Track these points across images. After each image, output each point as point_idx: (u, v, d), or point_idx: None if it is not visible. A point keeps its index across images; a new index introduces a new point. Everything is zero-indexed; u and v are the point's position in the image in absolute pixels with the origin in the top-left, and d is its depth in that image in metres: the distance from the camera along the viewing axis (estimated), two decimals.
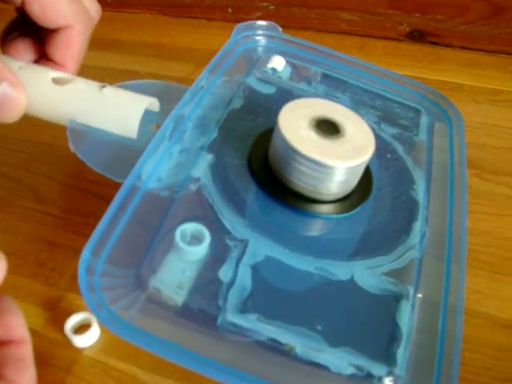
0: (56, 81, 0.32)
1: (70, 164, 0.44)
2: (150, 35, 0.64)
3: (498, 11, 0.56)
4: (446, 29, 0.59)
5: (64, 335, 0.32)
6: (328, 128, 0.31)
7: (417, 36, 0.60)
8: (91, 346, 0.32)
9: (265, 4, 0.62)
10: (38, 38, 0.35)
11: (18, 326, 0.26)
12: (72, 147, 0.32)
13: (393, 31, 0.61)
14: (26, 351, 0.26)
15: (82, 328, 0.32)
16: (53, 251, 0.37)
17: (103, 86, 0.33)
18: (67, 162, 0.44)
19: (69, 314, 0.32)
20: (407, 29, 0.60)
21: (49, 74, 0.33)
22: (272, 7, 0.63)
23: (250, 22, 0.41)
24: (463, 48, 0.59)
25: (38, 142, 0.46)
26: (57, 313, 0.33)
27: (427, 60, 0.58)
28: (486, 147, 0.46)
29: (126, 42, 0.63)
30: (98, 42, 0.61)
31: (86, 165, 0.31)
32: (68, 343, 0.32)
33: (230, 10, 0.59)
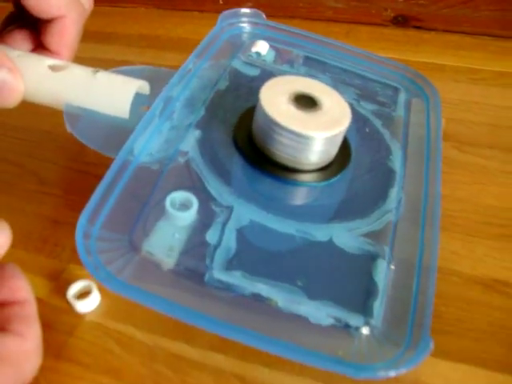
0: (52, 67, 0.35)
1: (70, 149, 0.46)
2: (145, 28, 0.67)
3: None
4: (429, 13, 0.61)
5: (67, 303, 0.34)
6: (306, 102, 0.34)
7: (401, 21, 0.62)
8: (92, 311, 0.34)
9: None
10: (34, 29, 0.37)
11: (22, 288, 0.28)
12: (69, 128, 0.34)
13: (378, 17, 0.63)
14: (30, 310, 0.28)
15: (83, 295, 0.34)
16: (55, 228, 0.39)
17: (96, 71, 0.35)
18: (67, 146, 0.46)
19: (70, 283, 0.35)
20: (391, 14, 0.62)
21: (45, 61, 0.35)
22: None
23: (234, 10, 0.43)
24: (446, 31, 0.61)
25: (39, 129, 0.49)
26: (60, 283, 0.36)
27: (411, 43, 0.60)
28: (465, 122, 0.48)
29: (122, 35, 0.65)
30: (95, 35, 0.64)
31: (85, 149, 0.33)
32: (70, 310, 0.34)
33: (220, 2, 0.61)
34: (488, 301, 0.35)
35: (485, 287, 0.35)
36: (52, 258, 0.37)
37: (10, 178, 0.44)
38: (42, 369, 0.27)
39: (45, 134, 0.48)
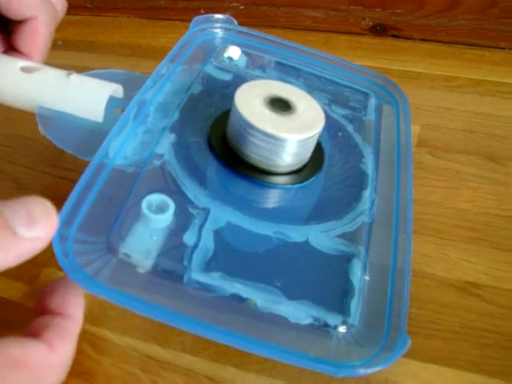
0: (24, 69, 0.34)
1: (49, 154, 0.46)
2: (127, 37, 0.67)
3: (453, 4, 0.59)
4: (406, 22, 0.62)
5: None
6: (280, 105, 0.34)
7: (379, 30, 0.63)
8: None
9: (235, 4, 0.66)
10: (5, 31, 0.36)
11: (74, 304, 0.28)
12: (42, 131, 0.34)
13: (356, 26, 0.64)
14: (71, 326, 0.27)
15: None
16: None
17: (70, 74, 0.35)
18: (46, 152, 0.46)
19: None
20: (369, 23, 0.63)
21: (17, 63, 0.35)
22: (242, 7, 0.66)
23: (207, 15, 0.44)
24: (423, 40, 0.62)
25: (18, 135, 0.48)
26: (35, 286, 0.35)
27: (388, 52, 0.61)
28: (439, 128, 0.49)
29: (104, 44, 0.65)
30: (77, 44, 0.64)
31: (64, 155, 0.33)
32: None
33: (202, 11, 0.62)
34: (460, 303, 0.35)
35: (457, 290, 0.36)
36: (27, 261, 0.37)
37: None
38: None
39: (24, 140, 0.48)
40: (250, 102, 0.33)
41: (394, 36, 0.63)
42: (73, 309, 0.28)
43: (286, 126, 0.33)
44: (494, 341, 0.34)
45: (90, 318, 0.33)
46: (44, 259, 0.37)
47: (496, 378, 0.32)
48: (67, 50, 0.35)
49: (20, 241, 0.24)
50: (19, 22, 0.35)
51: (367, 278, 0.31)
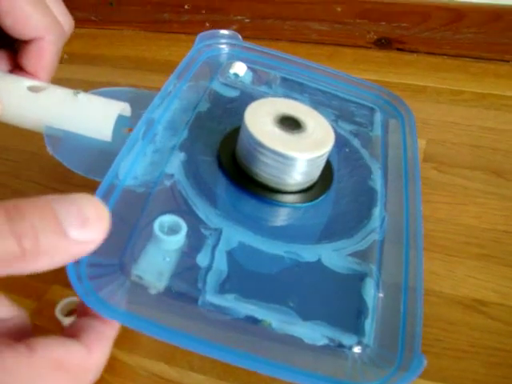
0: (31, 89, 0.34)
1: (56, 170, 0.46)
2: (131, 50, 0.67)
3: (458, 18, 0.59)
4: (411, 35, 0.62)
5: (50, 323, 0.33)
6: (290, 124, 0.34)
7: (384, 43, 0.63)
8: None
9: (240, 17, 0.65)
10: (11, 51, 0.36)
11: None
12: (51, 151, 0.33)
13: (361, 39, 0.64)
14: (108, 331, 0.27)
15: (70, 313, 0.34)
16: None
17: (77, 93, 0.34)
18: (53, 168, 0.46)
19: (54, 303, 0.34)
20: (375, 37, 0.63)
21: (24, 82, 0.34)
22: (247, 20, 0.66)
23: (212, 31, 0.43)
24: (428, 53, 0.63)
25: (24, 150, 0.48)
26: (42, 303, 0.35)
27: (393, 65, 0.61)
28: (445, 143, 0.49)
29: (108, 57, 0.65)
30: (82, 57, 0.64)
31: (71, 171, 0.33)
32: (54, 330, 0.33)
33: (207, 24, 0.62)
34: (468, 321, 0.35)
35: (465, 307, 0.36)
36: (35, 278, 0.37)
37: None
38: None
39: (31, 155, 0.48)
40: (260, 121, 0.33)
41: (398, 49, 0.63)
42: None
43: (296, 145, 0.32)
44: (501, 359, 0.34)
45: None
46: (52, 276, 0.37)
47: None
48: (72, 64, 0.34)
49: (71, 243, 0.22)
50: (26, 42, 0.34)
51: (381, 295, 0.31)
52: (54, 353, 0.23)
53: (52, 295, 0.35)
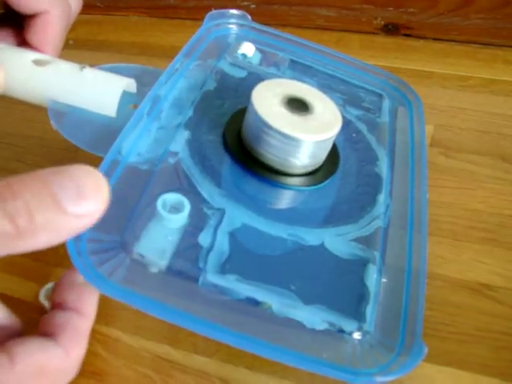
0: (36, 62, 0.34)
1: (61, 154, 0.45)
2: (136, 35, 0.67)
3: (466, 3, 0.58)
4: (418, 21, 0.61)
5: None
6: (298, 106, 0.33)
7: (391, 29, 0.62)
8: None
9: (246, 3, 0.65)
10: (17, 26, 0.36)
11: (89, 302, 0.27)
12: (55, 126, 0.33)
13: (368, 25, 0.63)
14: (84, 325, 0.27)
15: None
16: None
17: (83, 67, 0.34)
18: (57, 152, 0.46)
19: None
20: (382, 22, 0.62)
21: (29, 55, 0.34)
22: (253, 6, 0.65)
23: (221, 11, 0.43)
24: (435, 39, 0.62)
25: (29, 135, 0.48)
26: None
27: (400, 51, 0.60)
28: (452, 128, 0.49)
29: (113, 43, 0.65)
30: (87, 43, 0.64)
31: (76, 155, 0.33)
32: None
33: (213, 10, 0.61)
34: (474, 305, 0.35)
35: (471, 291, 0.36)
36: (39, 261, 0.37)
37: None
38: None
39: (35, 140, 0.48)
40: (268, 101, 0.33)
41: (406, 35, 0.62)
42: (86, 306, 0.27)
43: (303, 127, 0.32)
44: (508, 343, 0.34)
45: (101, 318, 0.33)
46: (56, 259, 0.37)
47: (510, 381, 0.32)
48: (78, 49, 0.34)
49: (68, 217, 0.22)
50: (31, 17, 0.34)
51: (384, 280, 0.30)
52: (33, 359, 0.23)
53: (56, 278, 0.35)
